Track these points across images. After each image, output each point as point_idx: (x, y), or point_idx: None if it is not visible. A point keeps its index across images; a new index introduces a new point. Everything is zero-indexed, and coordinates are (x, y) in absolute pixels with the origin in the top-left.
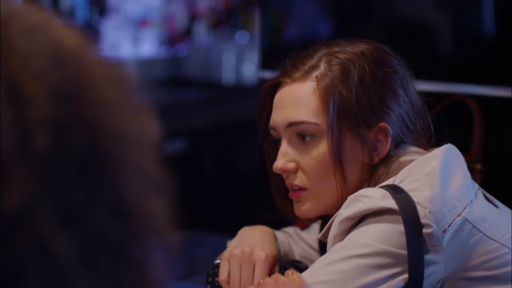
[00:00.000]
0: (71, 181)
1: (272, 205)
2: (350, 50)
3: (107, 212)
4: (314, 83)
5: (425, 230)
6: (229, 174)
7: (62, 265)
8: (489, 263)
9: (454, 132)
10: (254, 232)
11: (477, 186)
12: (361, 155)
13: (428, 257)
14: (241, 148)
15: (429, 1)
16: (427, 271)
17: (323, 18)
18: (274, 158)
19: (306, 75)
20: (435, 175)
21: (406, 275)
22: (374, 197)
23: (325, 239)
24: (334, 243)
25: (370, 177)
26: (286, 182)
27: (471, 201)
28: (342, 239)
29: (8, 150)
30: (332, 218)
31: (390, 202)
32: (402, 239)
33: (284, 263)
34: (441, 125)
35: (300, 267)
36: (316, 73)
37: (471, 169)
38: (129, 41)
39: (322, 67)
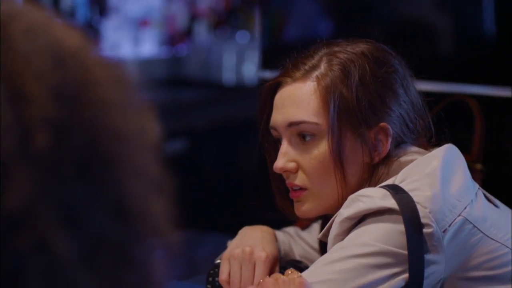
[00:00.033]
0: (71, 181)
1: (273, 205)
2: (350, 50)
3: (107, 212)
4: (315, 83)
5: (425, 230)
6: (229, 174)
7: (62, 265)
8: (490, 263)
9: (454, 132)
10: (255, 232)
11: (477, 186)
12: (361, 155)
13: (428, 257)
14: (241, 148)
15: (429, 1)
16: (428, 271)
17: (323, 18)
18: (274, 158)
19: (306, 75)
20: (436, 175)
21: (406, 275)
22: (374, 197)
23: (325, 239)
24: (334, 243)
25: (370, 177)
26: (287, 182)
27: (472, 201)
28: (343, 239)
29: (9, 150)
30: (332, 218)
31: (390, 202)
32: (403, 239)
33: (284, 263)
34: (441, 125)
35: (301, 267)
36: (316, 73)
37: (471, 169)
38: (130, 41)
39: (323, 67)
